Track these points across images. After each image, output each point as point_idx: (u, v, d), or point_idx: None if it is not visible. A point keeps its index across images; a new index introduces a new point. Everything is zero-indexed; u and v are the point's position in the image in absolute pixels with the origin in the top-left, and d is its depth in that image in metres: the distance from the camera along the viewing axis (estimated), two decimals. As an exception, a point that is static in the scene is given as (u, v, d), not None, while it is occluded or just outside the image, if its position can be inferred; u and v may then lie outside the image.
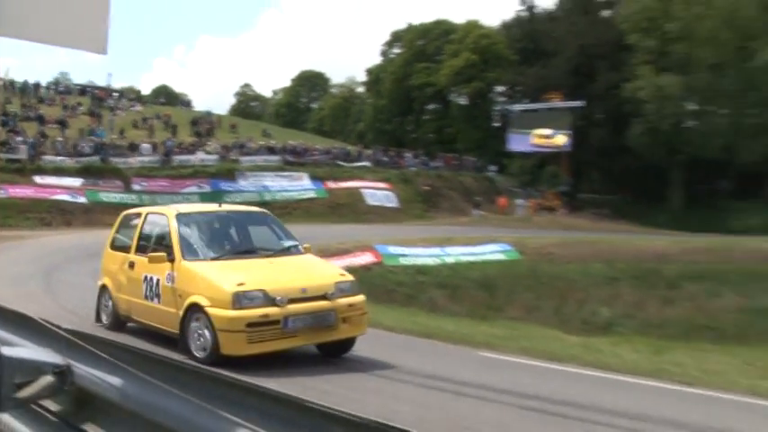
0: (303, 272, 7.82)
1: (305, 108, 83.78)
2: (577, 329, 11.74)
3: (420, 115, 62.74)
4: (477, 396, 6.38)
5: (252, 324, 6.89)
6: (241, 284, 7.06)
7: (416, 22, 65.68)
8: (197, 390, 2.82)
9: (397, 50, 65.94)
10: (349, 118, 73.79)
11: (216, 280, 7.28)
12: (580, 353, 8.73)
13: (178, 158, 36.16)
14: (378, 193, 39.40)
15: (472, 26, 59.20)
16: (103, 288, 9.18)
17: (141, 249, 8.47)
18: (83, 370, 3.34)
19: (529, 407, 6.07)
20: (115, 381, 3.21)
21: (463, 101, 59.38)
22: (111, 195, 31.84)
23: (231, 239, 8.37)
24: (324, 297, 7.29)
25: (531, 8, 57.71)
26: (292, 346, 7.30)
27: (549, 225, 35.45)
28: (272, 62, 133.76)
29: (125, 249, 8.85)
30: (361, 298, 7.63)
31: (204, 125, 46.00)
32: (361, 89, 76.99)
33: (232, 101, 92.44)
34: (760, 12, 39.81)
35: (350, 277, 7.77)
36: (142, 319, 8.37)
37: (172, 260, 7.70)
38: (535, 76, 49.35)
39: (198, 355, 7.06)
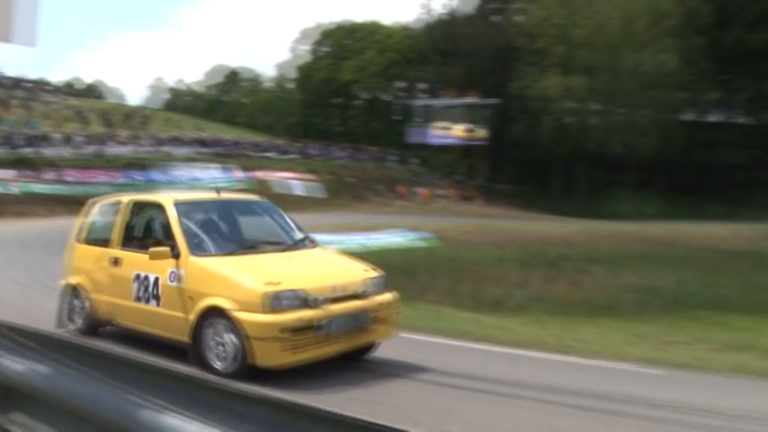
0: (329, 267, 6.70)
1: (216, 101, 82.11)
2: (491, 311, 11.94)
3: (345, 110, 62.82)
4: (396, 374, 6.40)
5: (288, 329, 5.67)
6: (271, 283, 5.82)
7: (327, 21, 66.71)
8: (124, 377, 2.72)
9: (305, 47, 66.25)
10: (277, 112, 73.09)
11: (240, 279, 5.98)
12: (494, 332, 8.88)
13: (108, 150, 35.23)
14: (305, 184, 39.33)
15: (376, 26, 60.36)
16: (73, 289, 7.59)
17: (127, 243, 7.07)
18: (8, 359, 3.19)
19: (446, 383, 6.13)
20: (41, 369, 3.07)
21: (387, 97, 59.84)
22: (43, 187, 30.77)
23: (239, 231, 7.10)
24: (357, 296, 6.22)
25: (433, 11, 59.51)
26: (331, 353, 6.08)
27: (466, 213, 36.02)
28: (186, 56, 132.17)
29: (103, 243, 7.30)
30: (394, 295, 6.64)
31: (136, 118, 44.83)
32: (268, 84, 76.70)
33: (146, 93, 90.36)
34: (649, 24, 41.88)
35: (379, 273, 6.65)
36: (132, 324, 6.93)
37: (176, 256, 6.34)
38: (451, 75, 50.09)
39: (218, 367, 5.84)
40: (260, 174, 38.21)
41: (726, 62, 44.07)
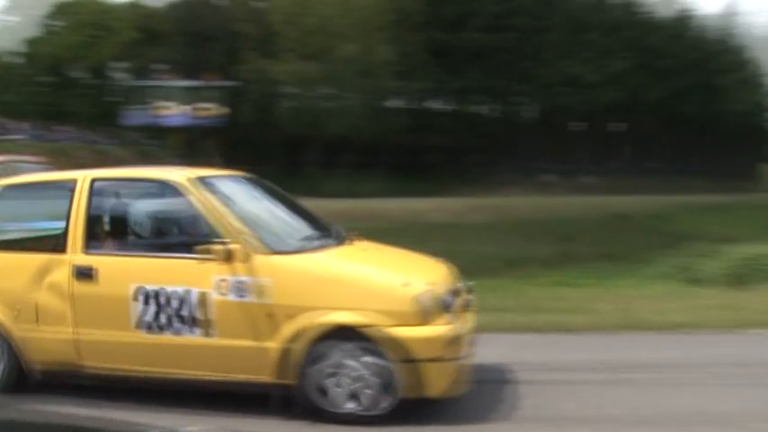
0: (415, 262, 4.98)
1: None
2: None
3: (74, 89, 57.13)
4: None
5: (452, 344, 4.07)
6: (409, 285, 4.13)
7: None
8: None
9: (13, 18, 59.57)
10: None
11: (373, 280, 4.22)
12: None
13: None
14: (35, 167, 34.72)
15: (107, 4, 56.65)
16: None
17: (99, 245, 4.53)
18: None
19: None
20: None
21: (118, 77, 55.65)
22: None
23: (286, 219, 5.03)
24: (459, 293, 4.71)
25: None
26: (464, 368, 4.35)
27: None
28: None
29: (43, 247, 4.65)
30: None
31: None
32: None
33: None
34: (367, 17, 43.80)
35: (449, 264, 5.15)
36: (135, 368, 4.38)
37: (230, 258, 4.15)
38: (186, 56, 48.21)
39: (348, 409, 4.04)
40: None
41: (437, 56, 47.45)
